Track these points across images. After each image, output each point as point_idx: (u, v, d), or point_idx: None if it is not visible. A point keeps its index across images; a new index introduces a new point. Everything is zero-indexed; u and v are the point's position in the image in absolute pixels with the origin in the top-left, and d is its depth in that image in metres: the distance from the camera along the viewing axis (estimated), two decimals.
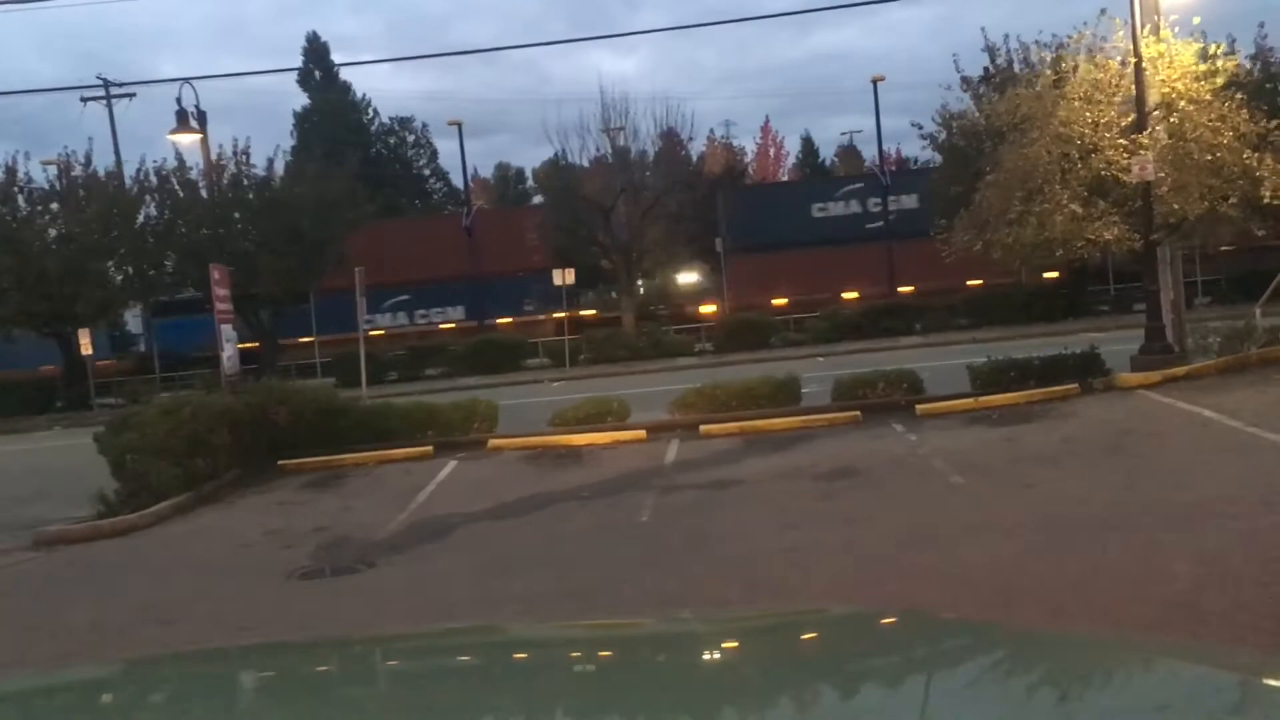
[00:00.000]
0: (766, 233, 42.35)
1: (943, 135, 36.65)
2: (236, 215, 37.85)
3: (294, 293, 38.58)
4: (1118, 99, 17.88)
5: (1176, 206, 17.63)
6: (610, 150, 36.49)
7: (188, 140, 23.56)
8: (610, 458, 17.34)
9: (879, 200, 44.70)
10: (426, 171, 65.48)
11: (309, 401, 19.23)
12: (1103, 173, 17.91)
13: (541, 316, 44.09)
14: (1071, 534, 10.15)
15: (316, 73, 65.01)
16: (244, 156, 37.75)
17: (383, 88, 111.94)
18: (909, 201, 42.61)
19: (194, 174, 38.31)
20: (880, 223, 43.85)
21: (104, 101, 56.41)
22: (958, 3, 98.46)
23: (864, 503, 12.77)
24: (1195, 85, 17.63)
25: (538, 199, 74.74)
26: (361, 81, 71.01)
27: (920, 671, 2.25)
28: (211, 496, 16.71)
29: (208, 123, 29.20)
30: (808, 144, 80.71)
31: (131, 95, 56.75)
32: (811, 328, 39.08)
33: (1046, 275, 36.75)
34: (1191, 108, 17.51)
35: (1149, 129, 17.58)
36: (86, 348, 36.21)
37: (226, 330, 19.44)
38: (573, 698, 2.11)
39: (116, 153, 50.56)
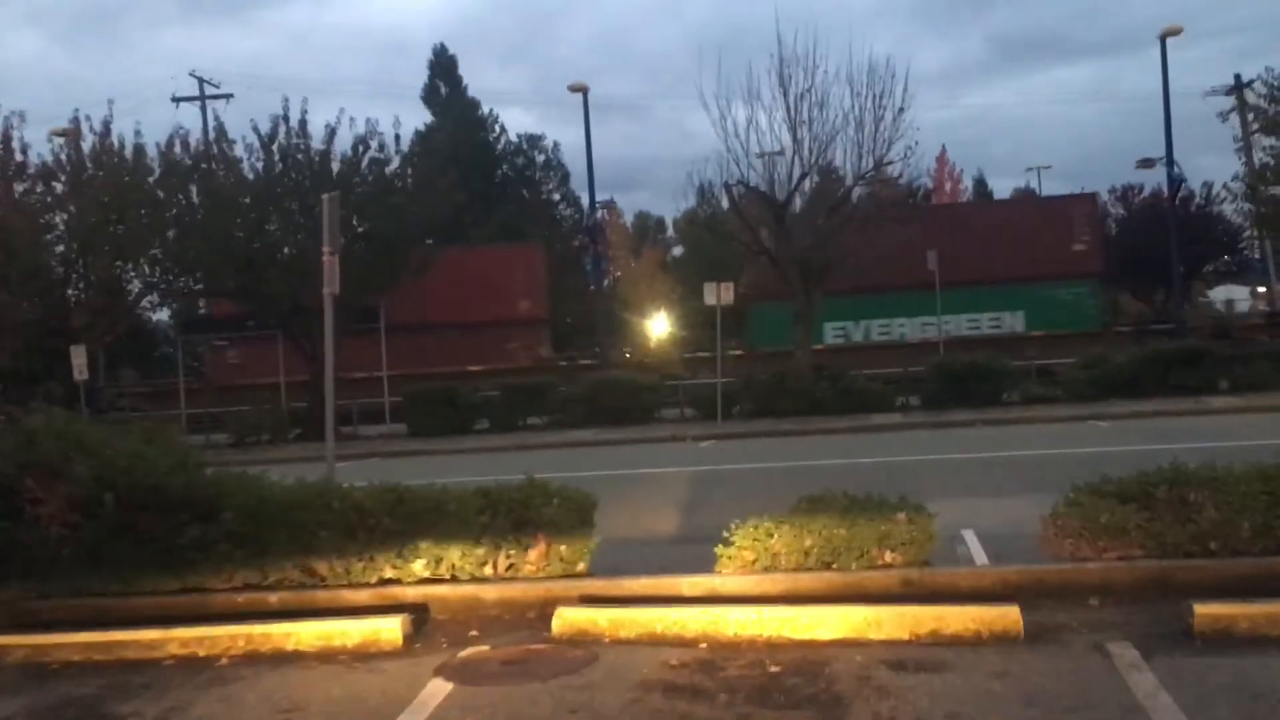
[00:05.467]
0: None
1: (1276, 109, 23.25)
2: (294, 205, 26.16)
3: (355, 308, 26.82)
4: None
5: None
6: (785, 113, 23.70)
7: None
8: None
9: None
10: (556, 196, 53.84)
11: (123, 475, 7.01)
12: None
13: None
14: None
15: (443, 87, 54.16)
16: (298, 127, 26.17)
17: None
18: None
19: (239, 149, 26.93)
20: None
21: (198, 104, 46.54)
22: None
23: None
24: None
25: (678, 250, 62.43)
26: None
27: None
28: None
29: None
30: (980, 185, 67.72)
31: (229, 96, 46.65)
32: (1066, 379, 25.68)
33: None
34: None
35: None
36: (81, 370, 24.76)
37: None
38: None
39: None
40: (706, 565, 7.04)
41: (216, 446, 27.40)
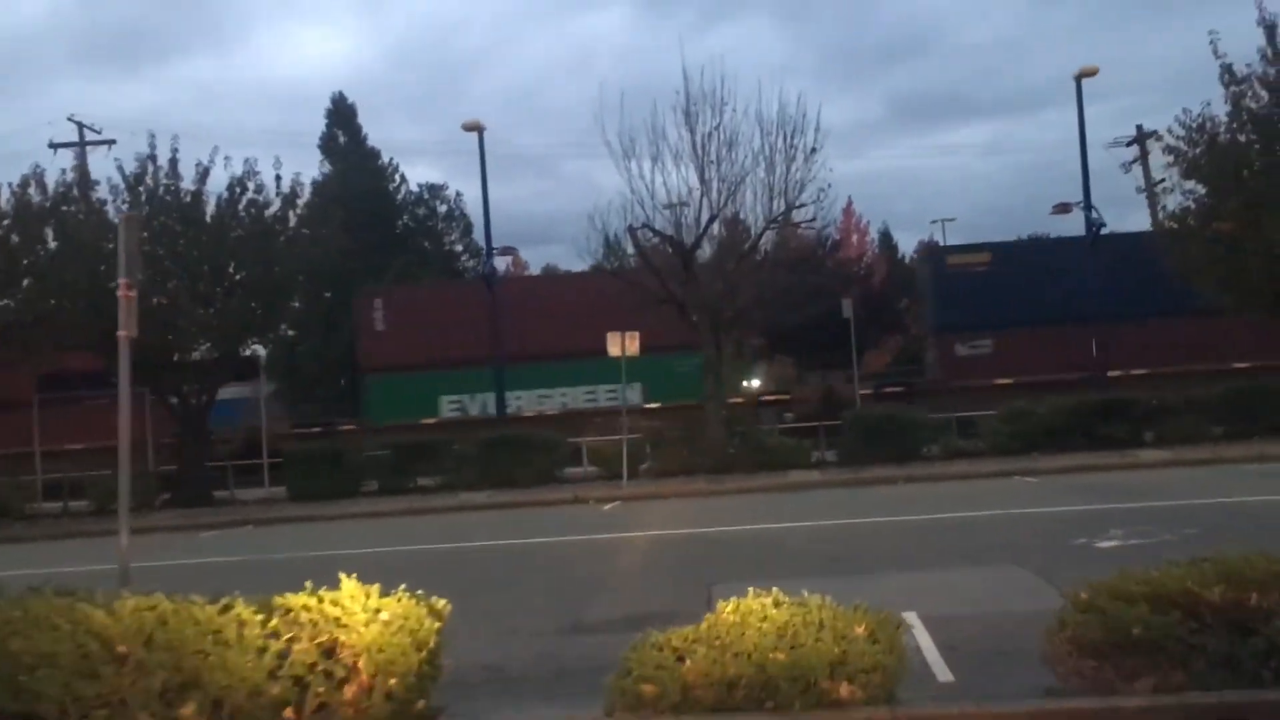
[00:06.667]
0: None
1: (1196, 151, 22.22)
2: (162, 251, 23.67)
3: (228, 360, 24.37)
4: None
5: None
6: (692, 152, 21.86)
7: None
8: None
9: None
10: (459, 247, 51.56)
11: None
12: None
13: None
14: None
15: (341, 136, 51.71)
16: (167, 167, 23.76)
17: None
18: None
19: (103, 190, 24.47)
20: None
21: (75, 149, 43.48)
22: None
23: None
24: None
25: None
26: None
27: None
28: None
29: None
30: (885, 238, 67.03)
31: (111, 142, 43.67)
32: (987, 431, 24.24)
33: None
34: None
35: None
36: None
37: None
38: None
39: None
40: (597, 677, 5.10)
41: (76, 514, 24.64)
